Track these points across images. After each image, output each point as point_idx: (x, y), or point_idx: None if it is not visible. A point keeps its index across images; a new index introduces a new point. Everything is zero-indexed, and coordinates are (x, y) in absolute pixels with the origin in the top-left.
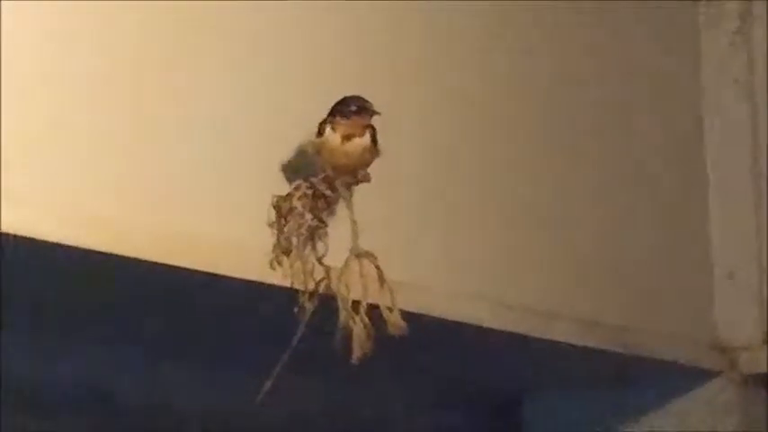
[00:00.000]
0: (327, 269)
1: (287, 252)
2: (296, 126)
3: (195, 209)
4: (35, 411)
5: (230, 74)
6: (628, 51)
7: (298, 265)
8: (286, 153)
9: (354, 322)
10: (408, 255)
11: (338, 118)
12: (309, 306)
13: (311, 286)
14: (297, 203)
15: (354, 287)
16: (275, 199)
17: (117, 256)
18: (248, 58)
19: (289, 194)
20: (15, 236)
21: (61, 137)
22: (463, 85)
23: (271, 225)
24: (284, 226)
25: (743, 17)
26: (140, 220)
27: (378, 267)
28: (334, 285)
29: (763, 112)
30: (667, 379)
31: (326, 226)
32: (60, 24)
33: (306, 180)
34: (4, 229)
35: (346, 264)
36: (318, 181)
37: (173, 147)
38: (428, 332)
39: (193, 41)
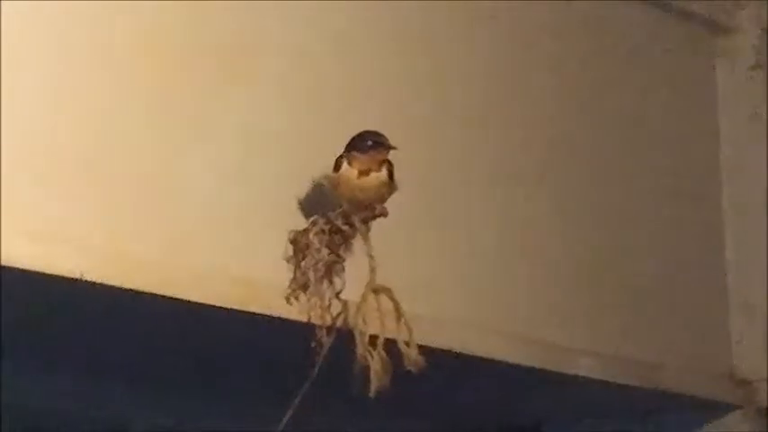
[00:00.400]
0: (345, 304)
1: (304, 287)
2: (313, 161)
3: (213, 244)
4: None
5: (248, 109)
6: (644, 86)
7: (315, 299)
8: (303, 188)
9: (372, 357)
10: (426, 289)
11: (355, 153)
12: (327, 341)
13: (328, 321)
14: (314, 239)
15: (372, 322)
16: (292, 234)
17: (134, 291)
18: (266, 94)
19: (306, 230)
20: (30, 270)
21: (76, 171)
22: (479, 113)
23: (288, 260)
24: (301, 261)
25: (759, 51)
26: (157, 255)
27: (395, 302)
28: (351, 320)
29: None
30: (686, 412)
31: (343, 261)
32: (68, 56)
33: (323, 215)
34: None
35: (363, 298)
36: (335, 216)
37: (190, 182)
38: (446, 366)
39: (211, 77)
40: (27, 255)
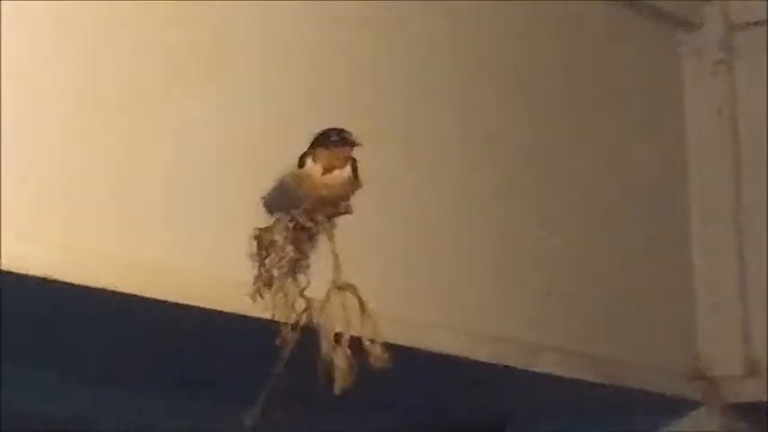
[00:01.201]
0: (309, 301)
1: (268, 284)
2: (276, 158)
3: (175, 241)
4: None
5: (213, 105)
6: (610, 82)
7: (279, 297)
8: (267, 185)
9: (336, 354)
10: (391, 287)
11: (319, 149)
12: (291, 338)
13: (293, 318)
14: (278, 236)
15: (336, 319)
16: (256, 231)
17: (98, 288)
18: (231, 92)
19: (270, 227)
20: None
21: (45, 168)
22: (445, 114)
23: (252, 257)
24: (265, 258)
25: (725, 48)
26: (120, 252)
27: (360, 299)
28: (315, 317)
29: (746, 143)
30: (651, 409)
31: (308, 258)
32: (49, 55)
33: (287, 212)
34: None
35: (328, 296)
36: (299, 213)
37: (153, 178)
38: (411, 363)
39: (180, 76)
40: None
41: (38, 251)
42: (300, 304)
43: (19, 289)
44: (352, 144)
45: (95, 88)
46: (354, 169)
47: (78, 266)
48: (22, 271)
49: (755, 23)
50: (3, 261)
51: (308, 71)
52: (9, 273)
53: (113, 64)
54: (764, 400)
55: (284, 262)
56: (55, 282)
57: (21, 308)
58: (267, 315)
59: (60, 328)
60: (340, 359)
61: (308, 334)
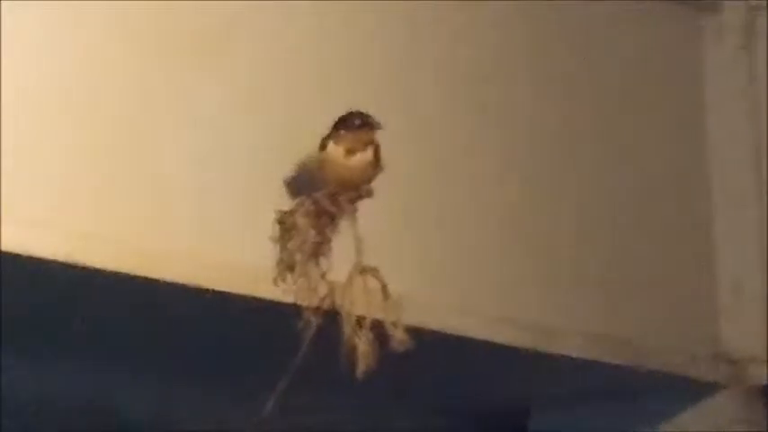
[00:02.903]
0: (331, 285)
1: (291, 268)
2: (299, 141)
3: (198, 226)
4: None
5: (232, 89)
6: (631, 66)
7: (302, 281)
8: (289, 168)
9: (359, 337)
10: (413, 270)
11: (341, 132)
12: (314, 322)
13: (315, 302)
14: (300, 219)
15: (359, 303)
16: (279, 215)
17: (121, 273)
18: (250, 74)
19: (292, 210)
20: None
21: (60, 158)
22: (467, 102)
23: (274, 241)
24: (288, 242)
25: (746, 31)
26: (143, 239)
27: (382, 282)
28: (338, 301)
29: (766, 126)
30: (673, 391)
31: (330, 242)
32: (46, 42)
33: (309, 196)
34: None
35: (350, 279)
36: (322, 196)
37: (175, 164)
38: (433, 347)
39: (193, 56)
40: (12, 239)
41: (62, 237)
42: (323, 288)
43: (41, 273)
44: (375, 127)
45: (102, 78)
46: (376, 153)
47: (100, 252)
48: (48, 256)
49: None
50: (18, 245)
51: (330, 51)
52: (30, 257)
53: (119, 55)
54: None
55: (306, 246)
56: (78, 267)
57: (40, 293)
58: (290, 299)
59: (86, 314)
60: (362, 342)
61: (331, 317)
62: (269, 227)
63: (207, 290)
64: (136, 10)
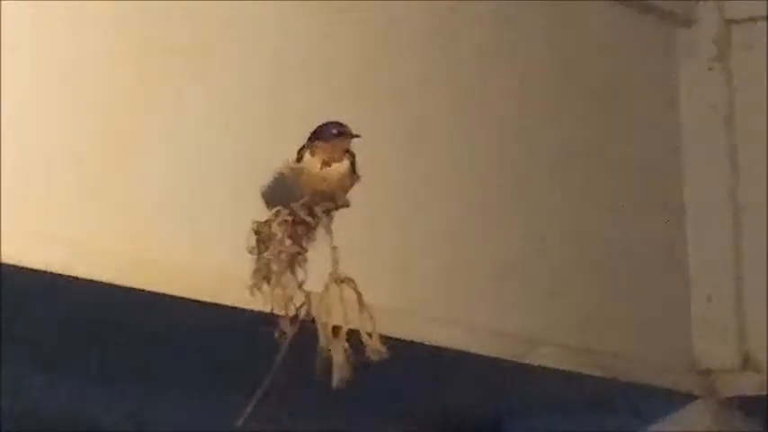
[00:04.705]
0: (307, 295)
1: (267, 278)
2: (275, 151)
3: (175, 235)
4: None
5: (209, 99)
6: (606, 79)
7: (278, 291)
8: (265, 178)
9: (334, 347)
10: (389, 280)
11: (317, 142)
12: (290, 331)
13: (291, 312)
14: (277, 229)
15: (334, 313)
16: (255, 225)
17: (97, 282)
18: (227, 84)
19: (268, 220)
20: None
21: (40, 164)
22: (443, 111)
23: (251, 251)
24: (264, 252)
25: (720, 44)
26: (120, 246)
27: (358, 293)
28: (314, 311)
29: (741, 138)
30: (647, 402)
31: (306, 252)
32: (32, 48)
33: (285, 206)
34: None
35: (326, 289)
36: (298, 207)
37: (153, 174)
38: (409, 357)
39: (172, 68)
40: None
41: (34, 244)
42: (299, 298)
43: (19, 284)
44: (351, 137)
45: (85, 85)
46: (352, 163)
47: (77, 261)
48: (26, 265)
49: (750, 19)
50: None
51: (305, 63)
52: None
53: (96, 54)
54: (760, 393)
55: (283, 256)
56: (57, 276)
57: (19, 304)
58: (266, 308)
59: (57, 323)
60: (338, 352)
61: (307, 327)
62: (245, 237)
63: (183, 299)
64: (122, 22)
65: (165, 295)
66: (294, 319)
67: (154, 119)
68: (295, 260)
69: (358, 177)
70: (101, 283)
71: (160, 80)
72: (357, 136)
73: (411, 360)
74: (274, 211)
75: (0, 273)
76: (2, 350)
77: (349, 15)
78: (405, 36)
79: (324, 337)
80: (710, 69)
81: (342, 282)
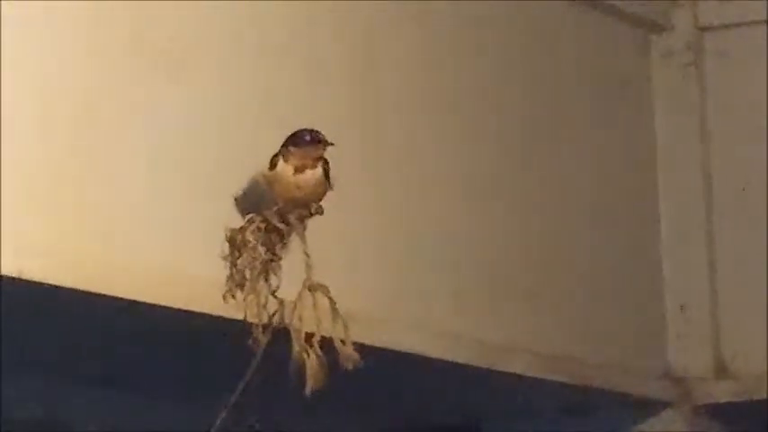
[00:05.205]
0: (281, 302)
1: (241, 285)
2: (249, 158)
3: (149, 242)
4: None
5: (184, 106)
6: (583, 83)
7: (251, 298)
8: (239, 185)
9: (308, 355)
10: (362, 288)
11: (291, 149)
12: (263, 339)
13: (265, 319)
14: (250, 237)
15: (308, 320)
16: (229, 232)
17: (72, 289)
18: (201, 91)
19: (242, 227)
20: None
21: (15, 167)
22: (417, 116)
23: (224, 258)
24: (238, 259)
25: (694, 50)
26: (93, 252)
27: (331, 300)
28: (287, 318)
29: (715, 143)
30: (622, 409)
31: (280, 259)
32: (9, 50)
33: (259, 213)
34: None
35: (300, 297)
36: (271, 214)
37: (127, 179)
38: (383, 363)
39: (148, 74)
40: None
41: (7, 250)
42: (272, 305)
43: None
44: (325, 144)
45: (63, 84)
46: (326, 171)
47: (53, 268)
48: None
49: (723, 26)
50: None
51: (280, 69)
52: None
53: (72, 58)
54: (734, 400)
55: (256, 263)
56: (31, 282)
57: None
58: (239, 316)
59: (40, 329)
60: (311, 360)
61: (280, 334)
62: (219, 244)
63: (158, 305)
64: (100, 24)
65: (139, 302)
66: (267, 326)
67: (130, 124)
68: (269, 267)
69: (332, 185)
70: (73, 289)
71: (137, 85)
72: (331, 144)
73: (384, 367)
74: (248, 218)
75: None
76: None
77: (330, 19)
78: (386, 45)
79: (297, 345)
80: (685, 74)
81: (315, 289)
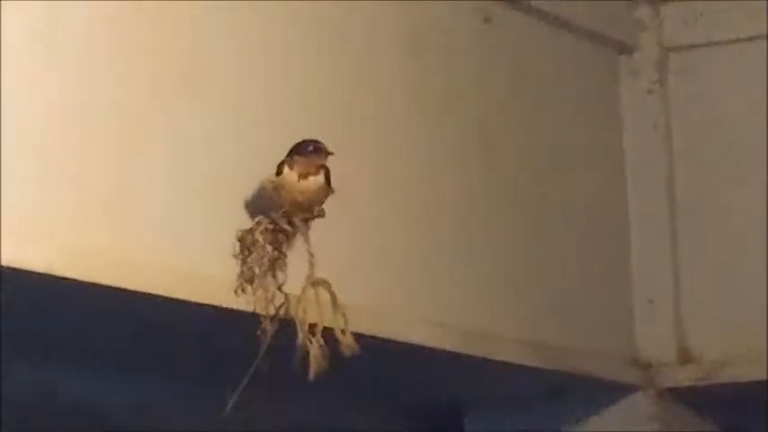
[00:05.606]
0: (287, 296)
1: (250, 281)
2: (258, 166)
3: (167, 242)
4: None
5: (201, 123)
6: (556, 100)
7: (260, 292)
8: (249, 191)
9: (311, 343)
10: (360, 282)
11: (296, 157)
12: (271, 329)
13: (272, 311)
14: (259, 237)
15: (311, 312)
16: (239, 233)
17: (103, 285)
18: (216, 108)
19: (252, 229)
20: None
21: (46, 172)
22: (409, 134)
23: (236, 256)
24: (248, 257)
25: (659, 69)
26: (125, 254)
27: (332, 294)
28: (292, 310)
29: (678, 153)
30: (594, 393)
31: (286, 257)
32: (36, 56)
33: (267, 216)
34: None
35: (304, 291)
36: (278, 216)
37: (149, 188)
38: (378, 351)
39: (168, 89)
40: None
41: (41, 249)
42: (279, 298)
43: (20, 284)
44: (326, 153)
45: (90, 100)
46: (327, 177)
47: (81, 266)
48: (24, 267)
49: (686, 47)
50: (5, 259)
51: (287, 83)
52: (11, 269)
53: (111, 76)
54: (695, 384)
55: (264, 260)
56: (61, 279)
57: (22, 302)
58: (249, 308)
59: (73, 322)
60: (314, 348)
61: (286, 326)
62: (231, 244)
63: (175, 299)
64: (124, 40)
65: (159, 296)
66: (274, 317)
67: (153, 138)
68: (275, 264)
69: (332, 190)
70: (109, 286)
71: (162, 100)
72: (332, 153)
73: (380, 355)
74: (257, 220)
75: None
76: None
77: (337, 40)
78: (383, 64)
79: (301, 334)
80: (651, 92)
81: (318, 284)
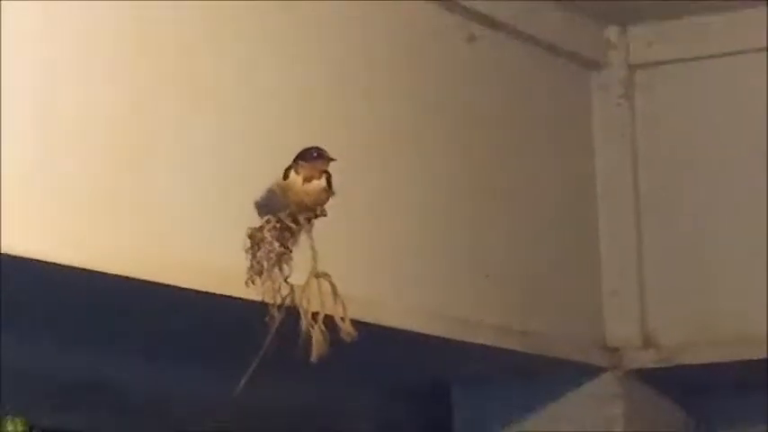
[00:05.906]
0: (292, 287)
1: (259, 273)
2: (266, 171)
3: (185, 237)
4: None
5: (218, 127)
6: (530, 113)
7: (268, 283)
8: (258, 193)
9: (313, 329)
10: (359, 274)
11: (301, 162)
12: (278, 317)
13: (279, 301)
14: (267, 234)
15: (314, 301)
16: (250, 230)
17: (131, 278)
18: (226, 114)
19: (260, 227)
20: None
21: (72, 174)
22: (407, 130)
23: (246, 251)
24: (257, 252)
25: (626, 84)
26: (149, 250)
27: (333, 285)
28: (297, 300)
29: (643, 160)
30: (564, 374)
31: (291, 252)
32: (43, 55)
33: (274, 215)
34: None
35: (307, 282)
36: (284, 216)
37: (170, 189)
38: (375, 337)
39: (189, 102)
40: (23, 244)
41: (61, 242)
42: (285, 289)
43: (40, 272)
44: (328, 159)
45: (114, 105)
46: (329, 181)
47: (115, 263)
48: (48, 259)
49: (651, 64)
50: (20, 250)
51: (292, 96)
52: (36, 261)
53: (139, 84)
54: (657, 366)
55: (272, 255)
56: (86, 271)
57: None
58: (258, 298)
59: (96, 312)
60: (316, 334)
61: (291, 313)
62: (242, 240)
63: (192, 290)
64: (147, 55)
65: (177, 287)
66: (281, 306)
67: (171, 137)
68: (282, 259)
69: (333, 192)
70: (136, 279)
71: (177, 106)
72: (333, 159)
73: (376, 340)
74: (265, 219)
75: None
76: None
77: (340, 52)
78: (379, 72)
79: (305, 322)
80: (618, 105)
81: (320, 276)
